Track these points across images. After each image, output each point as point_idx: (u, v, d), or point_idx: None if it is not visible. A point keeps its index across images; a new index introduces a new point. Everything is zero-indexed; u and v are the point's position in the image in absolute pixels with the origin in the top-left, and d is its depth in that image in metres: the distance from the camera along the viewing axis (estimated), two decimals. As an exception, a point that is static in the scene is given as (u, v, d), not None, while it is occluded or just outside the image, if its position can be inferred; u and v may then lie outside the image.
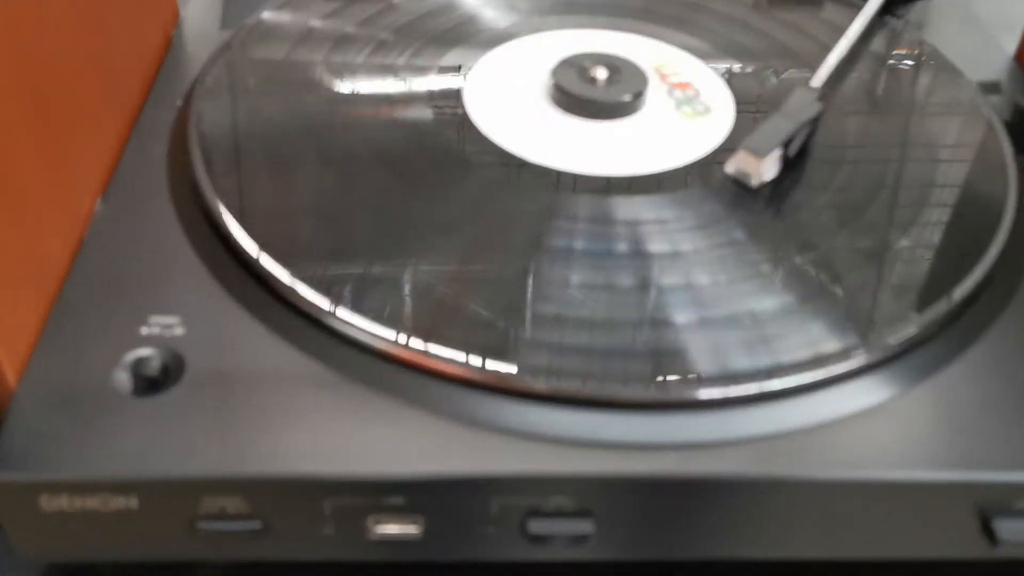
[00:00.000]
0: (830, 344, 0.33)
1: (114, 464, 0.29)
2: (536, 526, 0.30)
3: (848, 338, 0.33)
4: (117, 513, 0.29)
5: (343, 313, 0.32)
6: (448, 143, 0.40)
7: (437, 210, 0.37)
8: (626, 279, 0.35)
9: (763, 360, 0.32)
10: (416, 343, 0.32)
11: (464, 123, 0.42)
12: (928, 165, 0.40)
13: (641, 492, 0.30)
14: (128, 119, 0.42)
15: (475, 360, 0.31)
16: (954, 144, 0.42)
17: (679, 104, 0.43)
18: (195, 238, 0.36)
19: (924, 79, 0.46)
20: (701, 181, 0.39)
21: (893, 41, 0.49)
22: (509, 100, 0.43)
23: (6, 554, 0.33)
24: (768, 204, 0.38)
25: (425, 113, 0.42)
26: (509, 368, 0.31)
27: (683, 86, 0.44)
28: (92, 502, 0.29)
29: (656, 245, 0.36)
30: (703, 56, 0.47)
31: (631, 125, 0.42)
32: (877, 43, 0.49)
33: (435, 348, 0.31)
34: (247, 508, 0.30)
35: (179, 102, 0.43)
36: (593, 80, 0.42)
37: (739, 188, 0.39)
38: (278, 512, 0.30)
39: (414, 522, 0.30)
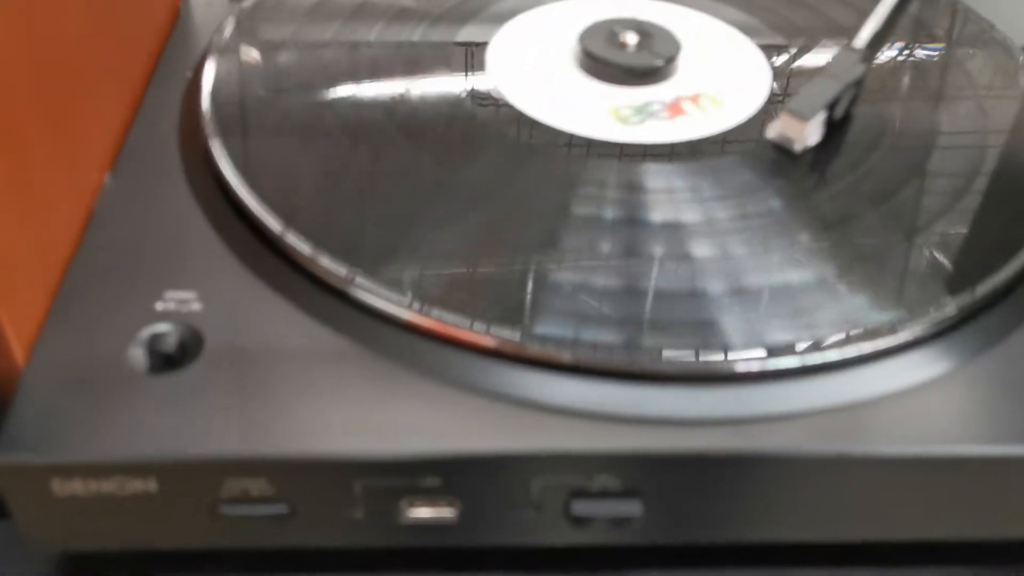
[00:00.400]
0: (883, 316, 0.31)
1: (131, 445, 0.27)
2: (580, 507, 0.28)
3: (902, 309, 0.31)
4: (134, 497, 0.28)
5: (368, 284, 0.31)
6: (471, 110, 0.39)
7: (463, 178, 0.35)
8: (664, 248, 0.33)
9: (815, 332, 0.30)
10: (447, 314, 0.30)
11: (487, 89, 0.40)
12: (979, 127, 0.38)
13: (692, 470, 0.28)
14: (136, 91, 0.40)
15: (511, 331, 0.29)
16: (1007, 104, 0.40)
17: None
18: (210, 211, 0.34)
19: (966, 43, 0.44)
20: (739, 147, 0.37)
21: (934, 5, 0.47)
22: (534, 67, 0.41)
23: (15, 544, 0.31)
24: (811, 170, 0.36)
25: (446, 81, 0.40)
26: (549, 340, 0.29)
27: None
28: (108, 486, 0.27)
29: (693, 214, 0.34)
30: (737, 25, 0.45)
31: (665, 91, 0.40)
32: (918, 6, 0.46)
33: (468, 319, 0.30)
34: (272, 491, 0.28)
35: (189, 74, 0.41)
36: (623, 45, 0.40)
37: (779, 154, 0.37)
38: (305, 495, 0.28)
39: (450, 504, 0.29)
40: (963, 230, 0.34)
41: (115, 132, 0.37)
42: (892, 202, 0.35)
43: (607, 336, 0.29)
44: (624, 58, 0.40)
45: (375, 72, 0.40)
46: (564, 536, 0.29)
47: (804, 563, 0.32)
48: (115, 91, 0.38)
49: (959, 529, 0.31)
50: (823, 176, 0.36)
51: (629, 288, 0.31)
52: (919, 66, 0.42)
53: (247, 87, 0.40)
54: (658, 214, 0.34)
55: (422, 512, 0.29)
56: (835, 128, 0.37)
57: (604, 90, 0.40)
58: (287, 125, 0.38)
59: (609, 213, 0.34)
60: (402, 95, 0.39)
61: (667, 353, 0.29)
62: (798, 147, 0.36)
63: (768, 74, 0.41)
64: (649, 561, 0.32)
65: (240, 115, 0.38)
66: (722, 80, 0.41)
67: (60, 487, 0.27)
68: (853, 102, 0.38)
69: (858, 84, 0.37)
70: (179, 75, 0.41)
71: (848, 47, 0.39)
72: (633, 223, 0.34)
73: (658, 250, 0.33)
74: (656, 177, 0.36)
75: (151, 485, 0.27)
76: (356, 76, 0.40)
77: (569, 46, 0.42)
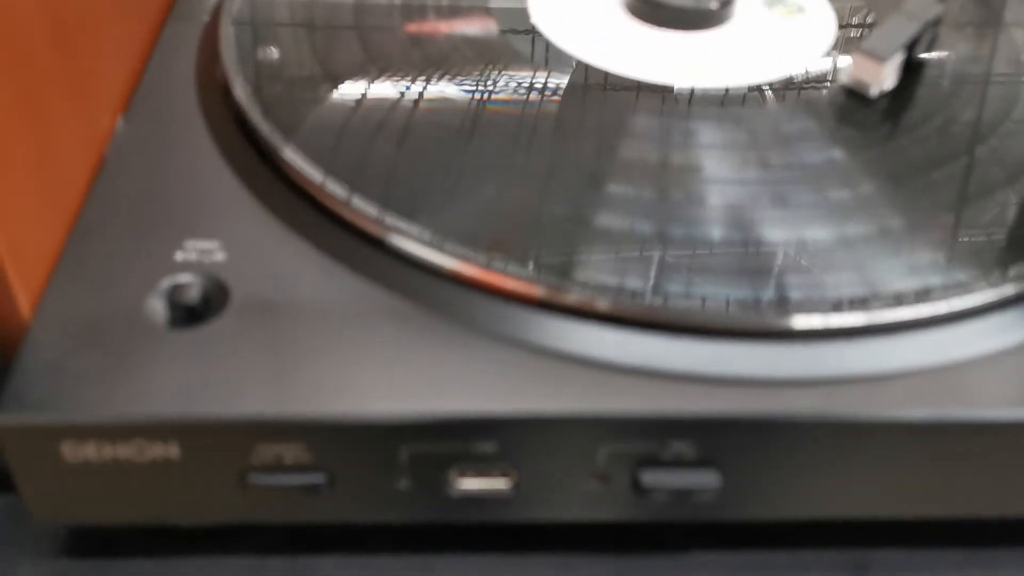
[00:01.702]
0: (983, 271, 0.28)
1: (150, 404, 0.24)
2: (650, 478, 0.25)
3: (1000, 265, 0.28)
4: (154, 464, 0.25)
5: (411, 230, 0.28)
6: (514, 53, 0.36)
7: (509, 122, 0.32)
8: (731, 199, 0.30)
9: (910, 286, 0.27)
10: (499, 263, 0.27)
11: (532, 32, 0.37)
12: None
13: (776, 437, 0.25)
14: (150, 33, 0.37)
15: (571, 283, 0.26)
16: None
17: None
18: (232, 156, 0.32)
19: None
20: (807, 93, 0.34)
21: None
22: (581, 10, 0.38)
23: (18, 521, 0.28)
24: (886, 117, 0.33)
25: (486, 21, 0.37)
26: (620, 292, 0.26)
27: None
28: (124, 451, 0.24)
29: (762, 161, 0.31)
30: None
31: (720, 36, 0.37)
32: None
33: (522, 269, 0.27)
34: (309, 458, 0.25)
35: (206, 17, 0.38)
36: (676, -13, 0.37)
37: (850, 100, 0.34)
38: (345, 463, 0.25)
39: (505, 474, 0.26)
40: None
41: (129, 72, 0.34)
42: (970, 154, 0.32)
43: (683, 289, 0.26)
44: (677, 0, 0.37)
45: (410, 13, 0.37)
46: (630, 510, 0.27)
47: (880, 543, 0.29)
48: (127, 30, 0.35)
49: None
50: (897, 124, 0.33)
51: (707, 239, 0.28)
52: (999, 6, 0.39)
53: (270, 23, 0.37)
54: (725, 162, 0.31)
55: (474, 483, 0.26)
56: (912, 72, 0.34)
57: (655, 34, 0.37)
58: (317, 66, 0.34)
59: (673, 159, 0.31)
60: (443, 33, 0.36)
61: (746, 307, 0.26)
62: (874, 91, 0.33)
63: (832, 16, 0.38)
64: (713, 540, 0.29)
65: (264, 57, 0.35)
66: (783, 21, 0.38)
67: (71, 451, 0.24)
68: (932, 44, 0.35)
69: (936, 24, 0.34)
70: (195, 16, 0.38)
71: (924, -15, 0.36)
72: (692, 171, 0.31)
73: (733, 200, 0.30)
74: (716, 123, 0.33)
75: (173, 450, 0.24)
76: (391, 18, 0.37)
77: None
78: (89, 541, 0.29)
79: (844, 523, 0.28)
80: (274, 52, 0.35)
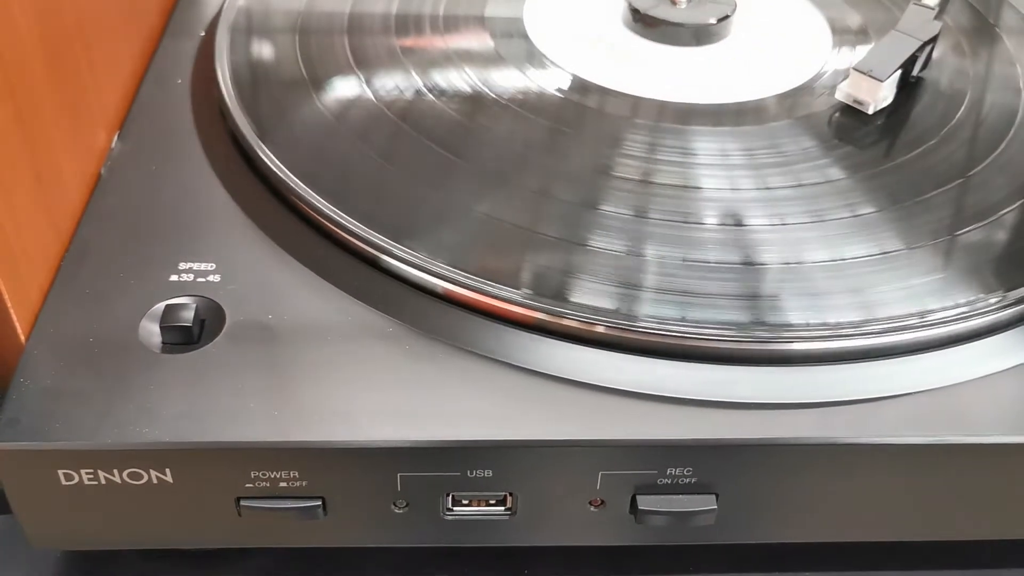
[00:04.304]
0: (981, 295, 0.28)
1: (145, 430, 0.24)
2: (648, 503, 0.25)
3: (1002, 288, 0.28)
4: (148, 490, 0.24)
5: (407, 254, 0.27)
6: (508, 68, 0.35)
7: (504, 140, 0.32)
8: (726, 219, 0.30)
9: (908, 310, 0.27)
10: (496, 287, 0.27)
11: (526, 46, 0.37)
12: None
13: (776, 461, 0.25)
14: (146, 50, 0.37)
15: (568, 307, 0.26)
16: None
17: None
18: (227, 177, 0.31)
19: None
20: (803, 109, 0.34)
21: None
22: (577, 25, 0.38)
23: (15, 543, 0.28)
24: (883, 135, 0.33)
25: (482, 37, 0.37)
26: (616, 316, 0.26)
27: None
28: (119, 476, 0.24)
29: (756, 180, 0.31)
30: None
31: (718, 52, 0.37)
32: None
33: (519, 293, 0.27)
34: (304, 484, 0.25)
35: (202, 33, 0.38)
36: (674, 3, 0.37)
37: (847, 117, 0.34)
38: (340, 488, 0.25)
39: (500, 500, 0.26)
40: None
41: (124, 91, 0.34)
42: (974, 174, 0.32)
43: (679, 312, 0.26)
44: (674, 15, 0.37)
45: (402, 31, 0.37)
46: (628, 535, 0.26)
47: (878, 566, 0.29)
48: (124, 45, 0.35)
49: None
50: (894, 142, 0.33)
51: (704, 261, 0.28)
52: (995, 21, 0.39)
53: (267, 46, 0.37)
54: (741, 180, 0.31)
55: (471, 507, 0.26)
56: (909, 89, 0.34)
57: (653, 50, 0.37)
58: (309, 84, 0.34)
59: (662, 177, 0.31)
60: (435, 48, 0.36)
61: (744, 332, 0.26)
62: (871, 109, 0.33)
63: (828, 33, 0.38)
64: (712, 562, 0.29)
65: (261, 76, 0.35)
66: (780, 38, 0.38)
67: (66, 477, 0.24)
68: (927, 62, 0.35)
69: (933, 41, 0.34)
70: (191, 33, 0.38)
71: (920, 2, 0.35)
72: (713, 191, 0.31)
73: (721, 219, 0.30)
74: (713, 139, 0.33)
75: (167, 476, 0.24)
76: (383, 37, 0.37)
77: (614, 5, 0.39)
78: (85, 562, 0.29)
79: (841, 545, 0.28)
80: (270, 70, 0.35)
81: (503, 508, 0.26)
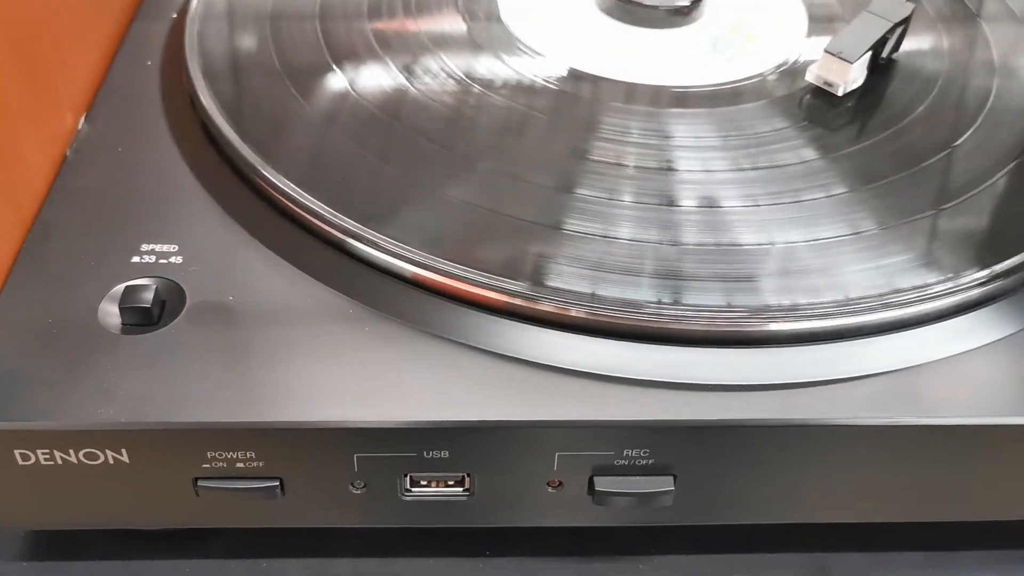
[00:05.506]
0: (935, 277, 0.27)
1: (102, 410, 0.24)
2: (605, 484, 0.25)
3: (960, 270, 0.28)
4: (105, 469, 0.25)
5: (370, 235, 0.27)
6: (481, 51, 0.35)
7: (473, 122, 0.32)
8: (692, 200, 0.30)
9: (863, 292, 0.27)
10: (455, 268, 0.27)
11: (500, 29, 0.36)
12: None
13: (730, 443, 0.25)
14: (117, 31, 0.37)
15: (527, 289, 0.26)
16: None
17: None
18: (193, 159, 0.31)
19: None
20: (777, 91, 0.34)
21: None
22: (550, 7, 0.38)
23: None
24: (852, 117, 0.33)
25: (455, 20, 0.37)
26: (571, 297, 0.26)
27: None
28: (77, 456, 0.24)
29: (725, 161, 0.31)
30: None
31: (692, 33, 0.37)
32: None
33: (479, 274, 0.26)
34: (261, 464, 0.25)
35: (174, 15, 0.38)
36: (645, -16, 0.37)
37: (817, 99, 0.33)
38: (297, 469, 0.25)
39: (459, 481, 0.26)
40: (1020, 187, 0.31)
41: (92, 73, 0.34)
42: (941, 156, 0.32)
43: (637, 294, 0.26)
44: (647, -2, 0.37)
45: (374, 14, 0.37)
46: (586, 516, 0.27)
47: (840, 547, 0.29)
48: (93, 26, 0.35)
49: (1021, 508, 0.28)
50: (864, 124, 0.33)
51: (661, 242, 0.28)
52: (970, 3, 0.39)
53: (238, 28, 0.36)
54: (693, 162, 0.31)
55: (428, 488, 0.26)
56: (878, 71, 0.34)
57: (626, 32, 0.37)
58: (279, 67, 0.34)
59: (630, 160, 0.31)
60: (408, 33, 0.36)
61: (703, 313, 0.26)
62: (841, 91, 0.33)
63: (804, 14, 0.38)
64: (675, 544, 0.29)
65: (230, 58, 0.35)
66: (754, 19, 0.38)
67: (23, 457, 0.24)
68: (899, 44, 0.35)
69: (905, 23, 0.34)
70: (163, 15, 0.38)
71: (894, -16, 0.35)
72: (652, 171, 0.31)
73: (695, 202, 0.30)
74: (685, 122, 0.33)
75: (124, 457, 0.24)
76: (355, 21, 0.37)
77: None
78: (51, 543, 0.29)
79: (805, 526, 0.28)
80: (238, 53, 0.35)
81: (462, 489, 0.26)
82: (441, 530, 0.29)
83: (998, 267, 0.28)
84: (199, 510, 0.26)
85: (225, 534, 0.29)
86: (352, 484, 0.25)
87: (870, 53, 0.33)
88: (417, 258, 0.27)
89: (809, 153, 0.32)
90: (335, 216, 0.28)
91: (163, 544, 0.29)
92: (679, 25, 0.37)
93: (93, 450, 0.24)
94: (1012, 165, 0.31)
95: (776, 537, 0.29)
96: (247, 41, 0.36)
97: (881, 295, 0.27)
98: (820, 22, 0.38)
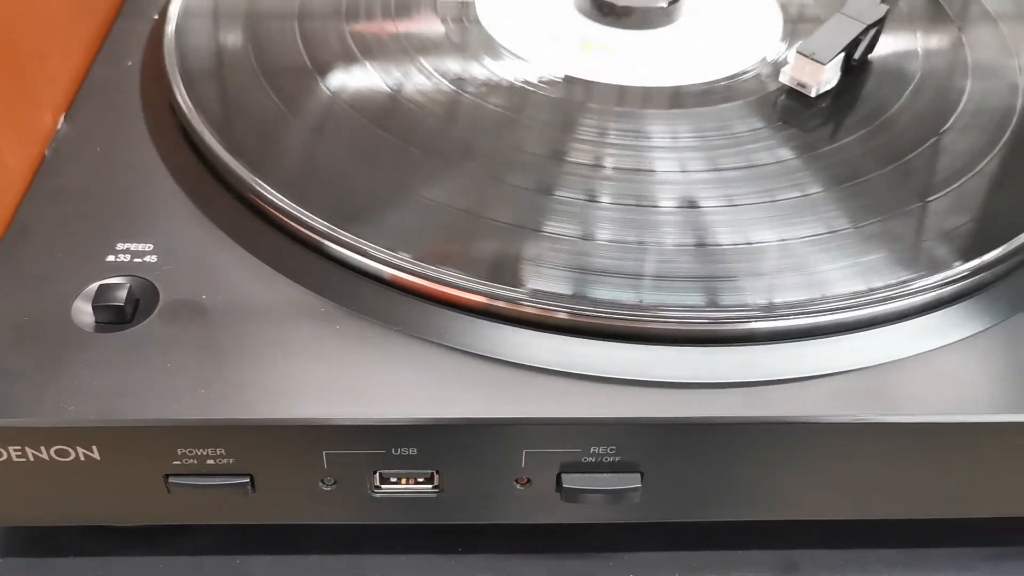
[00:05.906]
0: (902, 276, 0.28)
1: (73, 408, 0.24)
2: (573, 481, 0.26)
3: (922, 269, 0.28)
4: (76, 466, 0.25)
5: (343, 235, 0.28)
6: (459, 53, 0.36)
7: (450, 125, 0.32)
8: (668, 200, 0.30)
9: (830, 291, 0.27)
10: (427, 268, 0.27)
11: (477, 31, 0.37)
12: (1008, 76, 0.35)
13: (697, 440, 0.25)
14: (98, 31, 0.37)
15: (497, 288, 0.26)
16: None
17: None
18: (171, 158, 0.32)
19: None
20: (752, 93, 0.34)
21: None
22: (527, 8, 0.38)
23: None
24: (827, 118, 0.33)
25: (432, 21, 0.37)
26: (539, 296, 0.26)
27: None
28: (47, 453, 0.24)
29: (700, 162, 0.31)
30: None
31: (669, 34, 0.37)
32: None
33: (449, 273, 0.27)
34: (231, 461, 0.25)
35: (155, 15, 0.38)
36: (623, -15, 0.37)
37: (791, 100, 0.34)
38: (267, 466, 0.25)
39: (428, 478, 0.26)
40: (989, 187, 0.31)
41: (72, 73, 0.34)
42: (913, 156, 0.32)
43: (604, 293, 0.27)
44: (624, -1, 0.37)
45: (353, 17, 0.37)
46: (555, 513, 0.27)
47: (810, 544, 0.30)
48: (74, 26, 0.35)
49: (988, 505, 0.28)
50: (838, 124, 0.33)
51: (628, 242, 0.28)
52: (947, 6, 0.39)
53: (218, 29, 0.37)
54: (664, 163, 0.31)
55: (397, 485, 0.26)
56: (852, 72, 0.34)
57: (602, 32, 0.37)
58: (257, 69, 0.34)
59: (608, 160, 0.31)
60: (386, 35, 0.36)
61: (670, 312, 0.26)
62: (814, 92, 0.33)
63: (779, 16, 0.38)
64: (646, 541, 0.29)
65: (209, 59, 0.35)
66: (730, 20, 0.38)
67: (-6, 454, 0.25)
68: (873, 45, 0.35)
69: (879, 25, 0.34)
70: (144, 15, 0.38)
71: (868, -14, 0.36)
72: (637, 172, 0.31)
73: (662, 202, 0.30)
74: (662, 123, 0.33)
75: (94, 453, 0.24)
76: (333, 22, 0.37)
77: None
78: (26, 541, 0.29)
79: (775, 523, 0.29)
80: (218, 54, 0.35)
81: (431, 486, 0.26)
82: (412, 527, 0.29)
83: (967, 266, 0.28)
84: (171, 507, 0.26)
85: (200, 531, 0.29)
86: (322, 481, 0.26)
87: (843, 54, 0.33)
88: (387, 258, 0.27)
89: (784, 153, 0.32)
90: (307, 217, 0.28)
91: (139, 541, 0.29)
92: (656, 26, 0.37)
93: (63, 447, 0.24)
94: (982, 165, 0.32)
95: (746, 534, 0.29)
96: (225, 42, 0.36)
97: (850, 293, 0.27)
98: (795, 23, 0.38)
